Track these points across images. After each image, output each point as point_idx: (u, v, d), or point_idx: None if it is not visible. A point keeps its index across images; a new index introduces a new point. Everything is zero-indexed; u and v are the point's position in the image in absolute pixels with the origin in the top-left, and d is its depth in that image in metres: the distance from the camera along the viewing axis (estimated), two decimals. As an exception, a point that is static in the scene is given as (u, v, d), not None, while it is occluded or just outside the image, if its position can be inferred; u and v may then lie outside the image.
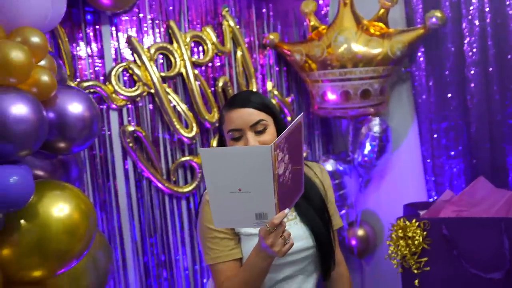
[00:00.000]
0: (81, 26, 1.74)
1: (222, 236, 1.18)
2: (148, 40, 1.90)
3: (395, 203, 2.07)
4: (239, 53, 2.18)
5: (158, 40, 1.93)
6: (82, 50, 1.74)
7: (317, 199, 1.27)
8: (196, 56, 2.03)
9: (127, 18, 1.85)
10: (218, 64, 2.11)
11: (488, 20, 1.95)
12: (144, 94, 1.87)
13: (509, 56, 1.94)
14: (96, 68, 1.79)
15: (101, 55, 1.79)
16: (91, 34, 1.77)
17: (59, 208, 1.06)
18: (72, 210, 1.07)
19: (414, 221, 1.33)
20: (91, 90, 1.76)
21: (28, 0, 1.06)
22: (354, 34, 2.08)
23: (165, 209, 1.95)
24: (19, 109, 1.01)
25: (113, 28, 1.82)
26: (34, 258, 1.02)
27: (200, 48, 2.06)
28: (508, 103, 1.96)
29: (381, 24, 2.13)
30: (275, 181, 0.96)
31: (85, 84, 1.74)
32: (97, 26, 1.78)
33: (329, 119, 2.50)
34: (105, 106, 1.80)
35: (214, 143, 2.05)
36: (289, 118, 2.37)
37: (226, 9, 2.14)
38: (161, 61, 1.94)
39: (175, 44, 1.95)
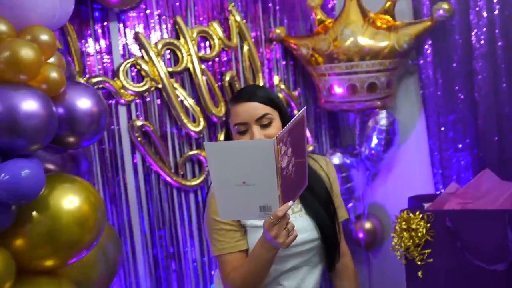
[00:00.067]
0: (89, 23, 1.77)
1: (228, 228, 1.20)
2: (155, 36, 1.93)
3: (402, 196, 2.07)
4: (245, 48, 2.19)
5: (165, 35, 1.95)
6: (90, 46, 1.77)
7: (323, 192, 1.28)
8: (203, 51, 2.05)
9: (134, 14, 1.87)
10: (225, 58, 2.13)
11: (496, 12, 1.93)
12: (152, 89, 1.90)
13: (518, 48, 1.92)
14: (105, 64, 1.82)
15: (109, 51, 1.82)
16: (99, 30, 1.79)
17: (69, 200, 1.09)
18: (82, 203, 1.11)
19: (418, 213, 1.34)
20: (100, 86, 1.79)
21: (36, 0, 1.09)
22: (360, 27, 2.08)
23: (173, 202, 1.99)
24: (30, 105, 1.05)
25: (121, 25, 1.84)
26: (45, 248, 1.06)
27: (207, 43, 2.07)
28: (516, 95, 1.94)
29: (387, 17, 2.12)
30: (279, 174, 0.97)
31: (94, 80, 1.77)
32: (105, 23, 1.80)
33: (336, 113, 2.50)
34: (113, 101, 1.83)
35: (221, 137, 2.08)
36: (296, 112, 2.38)
37: (232, 4, 2.15)
38: (168, 56, 1.96)
39: (182, 40, 1.97)
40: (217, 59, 2.09)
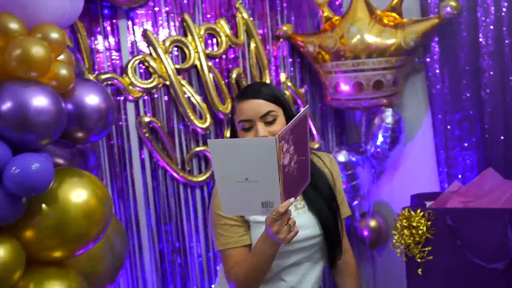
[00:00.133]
0: (99, 21, 1.80)
1: (232, 223, 1.22)
2: (163, 33, 1.95)
3: (407, 194, 2.07)
4: (252, 45, 2.20)
5: (173, 33, 1.98)
6: (100, 43, 1.80)
7: (326, 189, 1.29)
8: (210, 48, 2.07)
9: (143, 12, 1.90)
10: (232, 56, 2.15)
11: (504, 9, 1.92)
12: (160, 86, 1.93)
13: (526, 46, 1.91)
14: (114, 61, 1.85)
15: (118, 48, 1.85)
16: (109, 28, 1.82)
17: (77, 194, 1.13)
18: (89, 196, 1.14)
19: (419, 211, 1.35)
20: (109, 83, 1.82)
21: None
22: (367, 24, 2.08)
23: (179, 198, 2.02)
24: (40, 101, 1.08)
25: (130, 22, 1.87)
26: (54, 240, 1.10)
27: (214, 40, 2.09)
28: (523, 94, 1.93)
29: (394, 14, 2.12)
30: (280, 171, 0.99)
31: (103, 76, 1.80)
32: (114, 20, 1.83)
33: (342, 110, 2.50)
34: (122, 98, 1.86)
35: (228, 133, 2.10)
36: (302, 109, 2.39)
37: (240, 1, 2.16)
38: (176, 53, 1.98)
39: (189, 37, 1.99)
40: (224, 56, 2.11)
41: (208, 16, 2.08)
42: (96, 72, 1.80)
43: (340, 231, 1.29)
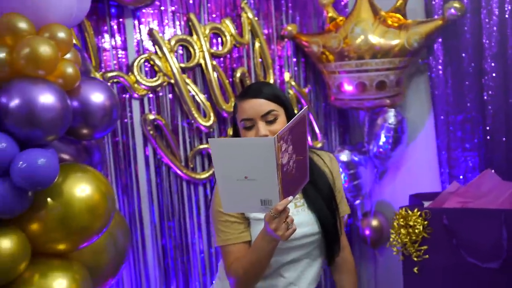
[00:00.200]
0: (106, 20, 1.83)
1: (232, 220, 1.24)
2: (168, 32, 1.98)
3: (409, 194, 2.09)
4: (257, 45, 2.22)
5: (178, 32, 2.00)
6: (106, 42, 1.84)
7: (326, 188, 1.31)
8: (215, 48, 2.09)
9: (149, 11, 1.93)
10: (236, 55, 2.17)
11: (507, 11, 1.92)
12: (165, 84, 1.96)
13: (529, 48, 1.91)
14: (120, 59, 1.88)
15: (124, 47, 1.88)
16: (115, 27, 1.86)
17: (81, 188, 1.16)
18: (93, 191, 1.17)
19: (416, 210, 1.36)
20: (115, 80, 1.85)
21: (55, 0, 1.16)
22: (370, 25, 2.09)
23: (183, 194, 2.05)
24: (47, 98, 1.11)
25: (136, 21, 1.90)
26: (58, 232, 1.14)
27: (219, 40, 2.12)
28: (526, 96, 1.93)
29: (398, 15, 2.12)
30: (279, 170, 1.01)
31: (109, 74, 1.83)
32: (120, 19, 1.86)
33: (346, 110, 2.52)
34: (127, 96, 1.89)
35: (231, 131, 2.12)
36: (301, 110, 2.40)
37: (245, 1, 2.18)
38: (181, 52, 2.01)
39: (194, 36, 2.02)
40: (228, 55, 2.13)
41: (214, 15, 2.11)
42: (103, 70, 1.83)
43: (339, 229, 1.31)
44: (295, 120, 1.05)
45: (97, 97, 1.27)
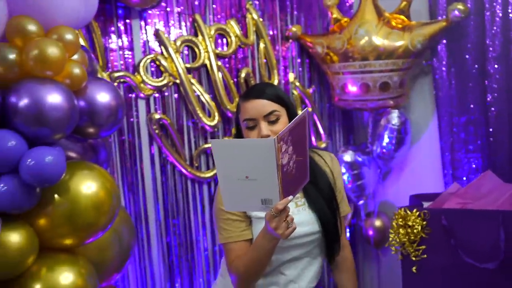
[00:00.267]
0: (113, 21, 1.86)
1: (234, 218, 1.27)
2: (174, 33, 2.01)
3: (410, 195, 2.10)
4: (261, 45, 2.24)
5: (184, 33, 2.03)
6: (113, 42, 1.87)
7: (326, 188, 1.32)
8: (220, 48, 2.12)
9: (155, 12, 1.96)
10: (241, 56, 2.19)
11: (511, 13, 1.92)
12: (170, 84, 1.99)
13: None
14: (126, 60, 1.91)
15: (131, 47, 1.92)
16: (122, 28, 1.89)
17: (87, 185, 1.20)
18: (99, 188, 1.21)
19: (415, 210, 1.38)
20: (121, 80, 1.89)
21: (62, 3, 1.19)
22: (374, 26, 2.10)
23: (187, 193, 2.07)
24: (54, 98, 1.15)
25: (142, 22, 1.93)
26: (65, 228, 1.17)
27: (224, 41, 2.14)
28: (530, 97, 1.93)
29: (402, 17, 2.13)
30: (279, 171, 1.03)
31: (116, 74, 1.87)
32: (127, 20, 1.90)
33: (350, 111, 2.53)
34: (133, 95, 1.93)
35: (234, 131, 2.14)
36: (309, 109, 2.43)
37: (250, 2, 2.20)
38: (186, 53, 2.04)
39: (200, 37, 2.04)
40: (233, 56, 2.16)
41: (219, 16, 2.13)
42: (110, 70, 1.87)
43: (339, 228, 1.33)
44: (295, 122, 1.07)
45: (103, 97, 1.30)
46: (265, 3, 2.27)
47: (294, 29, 2.35)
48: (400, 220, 1.40)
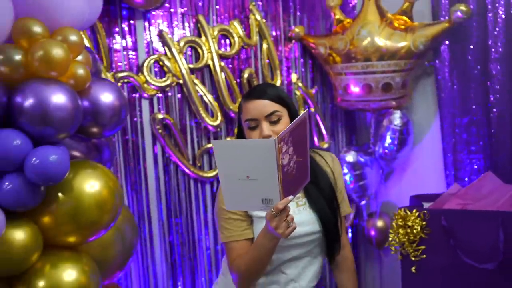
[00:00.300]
0: (117, 21, 1.88)
1: (236, 217, 1.28)
2: (178, 33, 2.03)
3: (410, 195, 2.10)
4: (264, 46, 2.26)
5: (187, 33, 2.05)
6: (117, 43, 1.89)
7: (327, 188, 1.34)
8: (223, 49, 2.13)
9: (159, 13, 1.98)
10: (244, 56, 2.21)
11: (514, 14, 1.92)
12: (173, 84, 2.01)
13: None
14: (130, 60, 1.93)
15: (134, 48, 1.93)
16: (126, 28, 1.91)
17: (91, 184, 1.22)
18: (102, 187, 1.23)
19: (414, 211, 1.39)
20: (125, 80, 1.91)
21: (67, 4, 1.21)
22: (377, 27, 2.11)
23: (190, 192, 2.09)
24: (59, 98, 1.17)
25: (146, 23, 1.95)
26: (69, 226, 1.19)
27: (227, 41, 2.16)
28: (532, 98, 1.93)
29: (405, 18, 2.14)
30: (279, 171, 1.04)
31: (120, 74, 1.89)
32: (131, 21, 1.92)
33: (352, 111, 2.53)
34: (137, 95, 1.95)
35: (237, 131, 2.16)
36: (312, 109, 2.44)
37: (253, 3, 2.22)
38: (190, 53, 2.06)
39: (203, 37, 2.06)
40: (236, 56, 2.17)
41: (222, 17, 2.15)
42: (114, 70, 1.89)
43: (340, 228, 1.34)
44: (296, 123, 1.09)
45: (107, 97, 1.32)
46: (268, 4, 2.29)
47: (297, 29, 2.36)
48: (400, 220, 1.41)
